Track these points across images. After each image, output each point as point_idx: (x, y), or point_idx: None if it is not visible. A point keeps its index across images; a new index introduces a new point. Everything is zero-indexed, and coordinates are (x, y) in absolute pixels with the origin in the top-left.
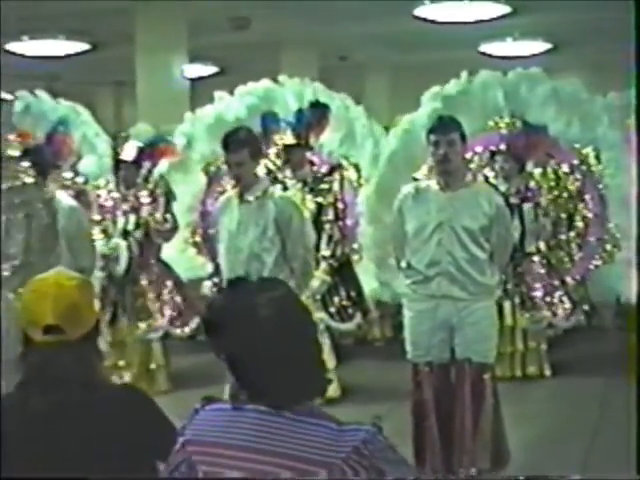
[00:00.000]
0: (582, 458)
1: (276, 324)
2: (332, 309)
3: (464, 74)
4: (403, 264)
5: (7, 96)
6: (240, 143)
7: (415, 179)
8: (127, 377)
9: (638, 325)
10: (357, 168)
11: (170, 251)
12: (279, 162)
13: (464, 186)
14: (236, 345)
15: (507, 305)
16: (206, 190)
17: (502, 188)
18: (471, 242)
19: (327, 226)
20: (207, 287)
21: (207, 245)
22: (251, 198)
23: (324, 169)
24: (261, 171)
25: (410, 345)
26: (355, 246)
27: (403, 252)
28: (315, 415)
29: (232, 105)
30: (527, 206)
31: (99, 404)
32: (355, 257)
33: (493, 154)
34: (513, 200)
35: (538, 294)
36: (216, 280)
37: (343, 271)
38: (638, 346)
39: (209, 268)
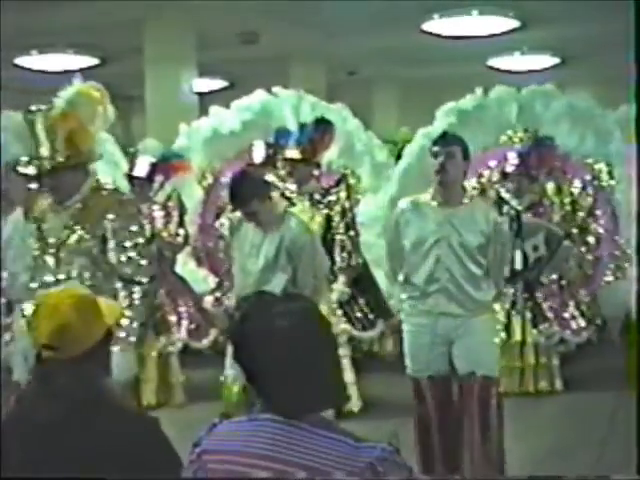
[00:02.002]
0: (591, 471)
1: (291, 334)
2: (354, 319)
3: (479, 90)
4: (400, 278)
5: None
6: (246, 197)
7: None
8: (146, 391)
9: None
10: (357, 179)
11: None
12: (285, 175)
13: (462, 203)
14: (253, 354)
15: (517, 320)
16: (203, 203)
17: (514, 203)
18: (468, 259)
19: (337, 238)
20: (208, 302)
21: (208, 259)
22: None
23: (330, 181)
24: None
25: (410, 360)
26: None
27: (401, 266)
28: (332, 429)
29: (228, 119)
30: (566, 244)
31: (98, 423)
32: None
33: (505, 170)
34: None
35: (549, 309)
36: (218, 295)
37: (361, 280)
38: (638, 361)
39: (210, 282)
